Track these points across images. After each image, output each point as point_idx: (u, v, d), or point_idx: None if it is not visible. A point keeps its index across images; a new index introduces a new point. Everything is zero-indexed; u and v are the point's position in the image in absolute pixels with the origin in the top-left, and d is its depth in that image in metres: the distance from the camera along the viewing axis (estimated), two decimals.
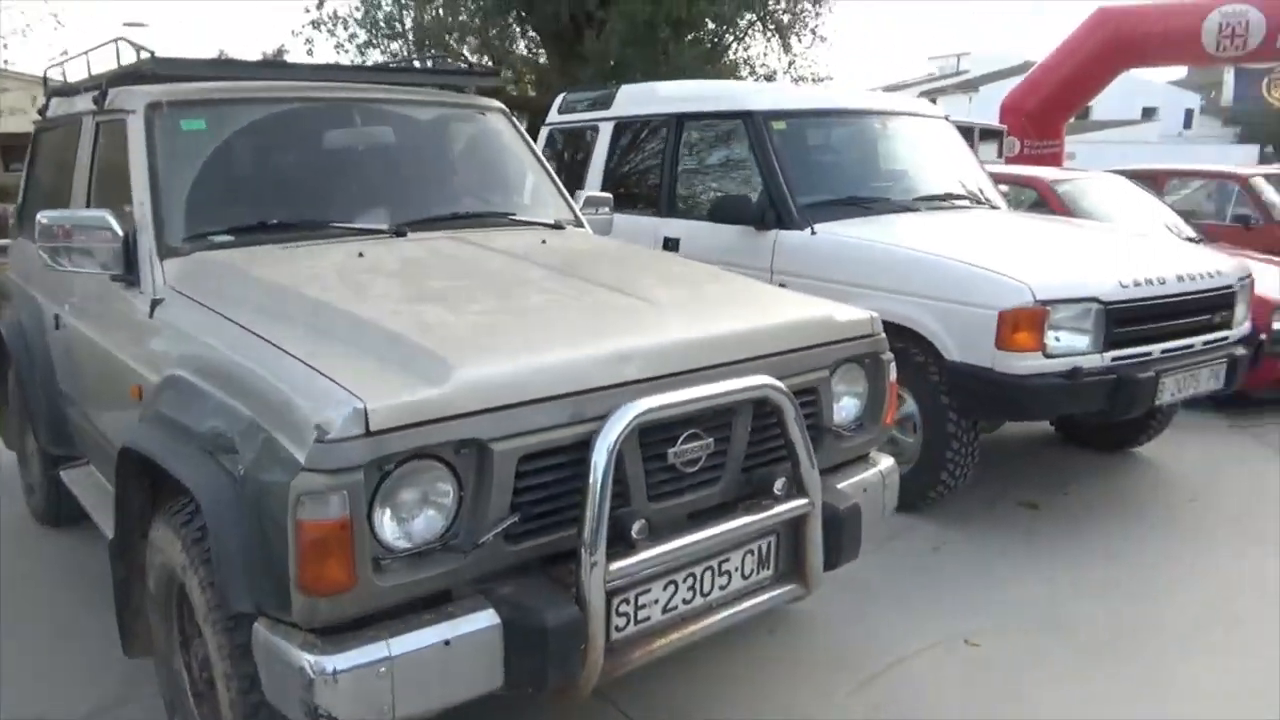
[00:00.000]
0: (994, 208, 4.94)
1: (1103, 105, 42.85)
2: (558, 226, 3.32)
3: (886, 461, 2.71)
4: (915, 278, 3.82)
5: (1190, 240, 6.42)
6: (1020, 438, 5.02)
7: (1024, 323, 3.46)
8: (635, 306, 2.30)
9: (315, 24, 11.00)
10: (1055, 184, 6.45)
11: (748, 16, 8.88)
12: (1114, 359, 3.61)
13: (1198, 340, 3.89)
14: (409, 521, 1.80)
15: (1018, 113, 18.02)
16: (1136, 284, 3.64)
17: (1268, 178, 8.48)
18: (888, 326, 3.86)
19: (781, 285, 4.37)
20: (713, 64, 8.72)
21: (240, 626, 1.86)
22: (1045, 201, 6.41)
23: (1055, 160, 17.37)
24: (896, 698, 2.72)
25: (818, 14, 11.11)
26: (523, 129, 3.68)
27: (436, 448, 1.77)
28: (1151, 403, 3.68)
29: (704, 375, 2.12)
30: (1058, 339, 3.54)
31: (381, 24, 9.79)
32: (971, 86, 46.35)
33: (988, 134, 16.25)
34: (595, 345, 2.04)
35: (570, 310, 2.28)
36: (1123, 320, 3.61)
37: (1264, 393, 5.49)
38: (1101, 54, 16.12)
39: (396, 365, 1.85)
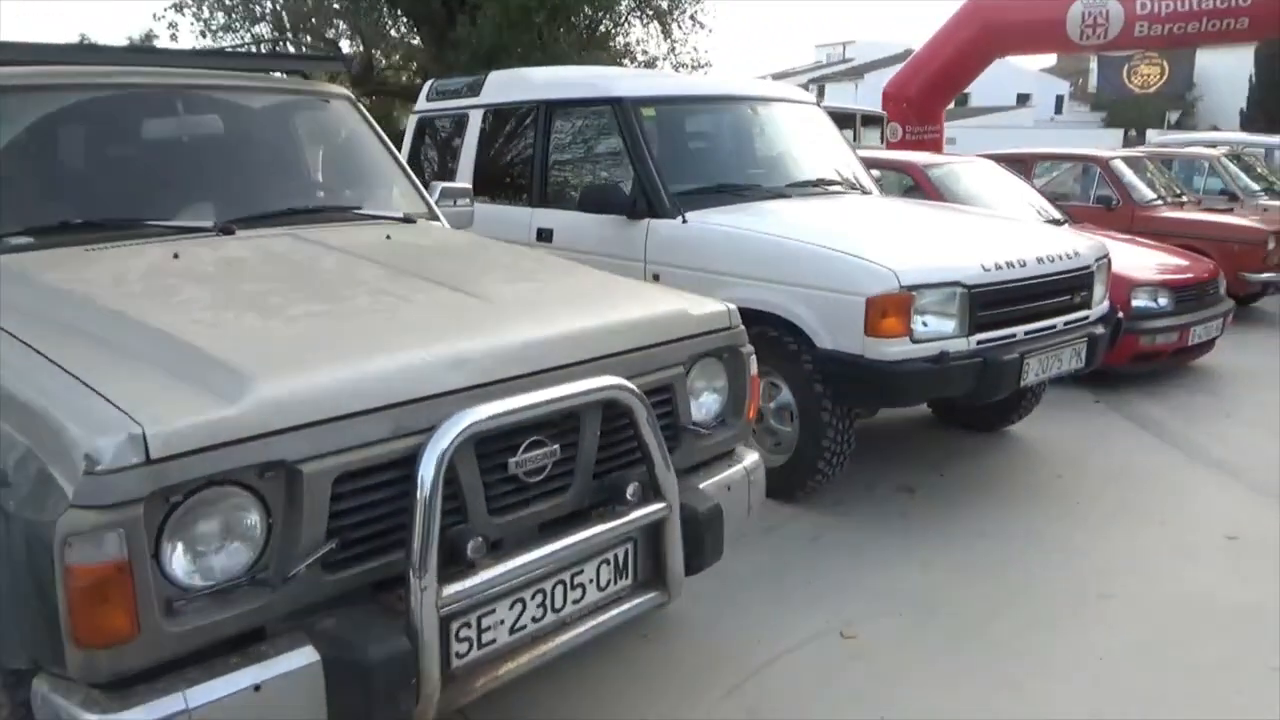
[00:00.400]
0: (866, 193, 4.95)
1: (980, 92, 44.56)
2: (408, 220, 3.13)
3: (751, 457, 2.63)
4: (785, 265, 3.77)
5: (1055, 222, 6.62)
6: (898, 422, 5.05)
7: (891, 308, 3.45)
8: (473, 306, 2.15)
9: (177, 6, 10.35)
10: (928, 169, 6.55)
11: (625, 2, 8.76)
12: (980, 342, 3.63)
13: (1059, 321, 3.95)
14: (207, 556, 1.61)
15: (899, 99, 18.46)
16: (999, 267, 3.67)
17: (1127, 160, 8.84)
18: (761, 315, 3.88)
19: (655, 276, 4.30)
20: (590, 50, 8.58)
21: (22, 683, 1.65)
22: (919, 186, 6.49)
23: (936, 145, 17.84)
24: (772, 697, 2.65)
25: (697, 1, 11.10)
26: (370, 118, 3.46)
27: (235, 473, 1.59)
28: (1017, 384, 3.72)
29: (546, 378, 1.99)
30: (925, 324, 3.54)
31: (239, 6, 9.25)
32: (857, 74, 47.51)
33: (870, 120, 16.63)
34: (423, 350, 1.88)
35: (401, 312, 2.11)
36: (987, 303, 3.64)
37: (1126, 368, 5.69)
38: (974, 42, 16.62)
39: (189, 382, 1.66)
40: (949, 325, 3.57)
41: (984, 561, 3.46)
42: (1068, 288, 3.99)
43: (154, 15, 10.49)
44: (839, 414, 3.74)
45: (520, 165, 5.23)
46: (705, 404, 2.47)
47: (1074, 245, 4.11)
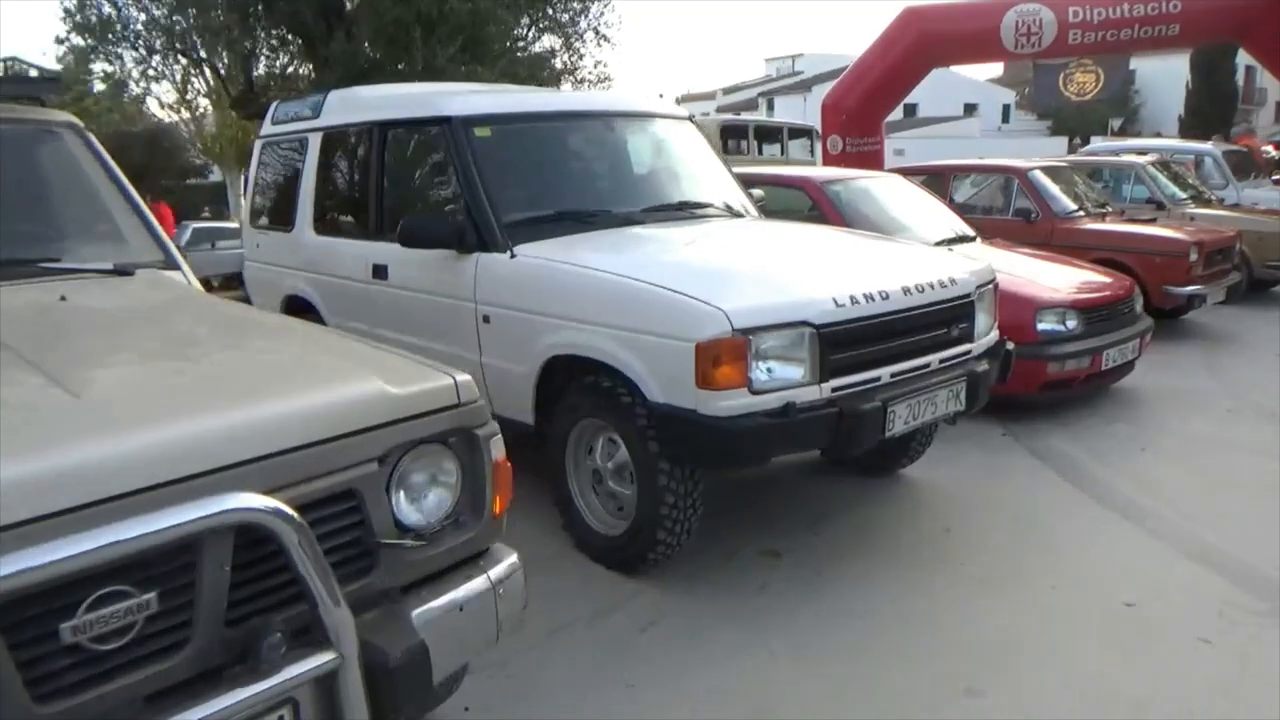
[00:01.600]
0: (736, 216, 4.48)
1: (928, 102, 44.84)
2: (121, 273, 2.58)
3: (505, 561, 2.11)
4: (609, 305, 3.27)
5: (963, 239, 6.20)
6: (783, 465, 4.56)
7: (724, 355, 2.95)
8: (51, 406, 1.61)
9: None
10: (826, 185, 6.10)
11: (524, 18, 8.26)
12: (835, 390, 3.14)
13: (934, 359, 3.49)
14: None
15: (838, 111, 18.18)
16: (855, 301, 3.19)
17: (1048, 170, 8.49)
18: (593, 362, 3.38)
19: (485, 319, 3.79)
20: (473, 66, 8.08)
21: None
22: (817, 205, 6.04)
23: (877, 157, 17.61)
24: None
25: (600, 13, 10.62)
26: (102, 152, 2.91)
27: None
28: (881, 435, 3.23)
29: (136, 503, 1.46)
30: (768, 371, 3.04)
31: (94, 24, 8.57)
32: (805, 87, 47.57)
33: (797, 133, 16.29)
34: None
35: None
36: (841, 344, 3.15)
37: (1036, 397, 5.26)
38: (911, 52, 16.41)
39: None
40: (796, 372, 3.08)
41: (840, 648, 2.96)
42: (943, 320, 3.52)
43: (56, 38, 9.71)
44: (678, 477, 3.23)
45: (358, 194, 4.70)
46: (428, 503, 1.95)
47: (951, 271, 3.64)
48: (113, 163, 2.90)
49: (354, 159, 4.76)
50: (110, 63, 9.03)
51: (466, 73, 7.77)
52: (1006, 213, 8.10)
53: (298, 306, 5.25)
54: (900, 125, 42.20)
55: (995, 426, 5.20)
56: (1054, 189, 8.17)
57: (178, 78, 9.42)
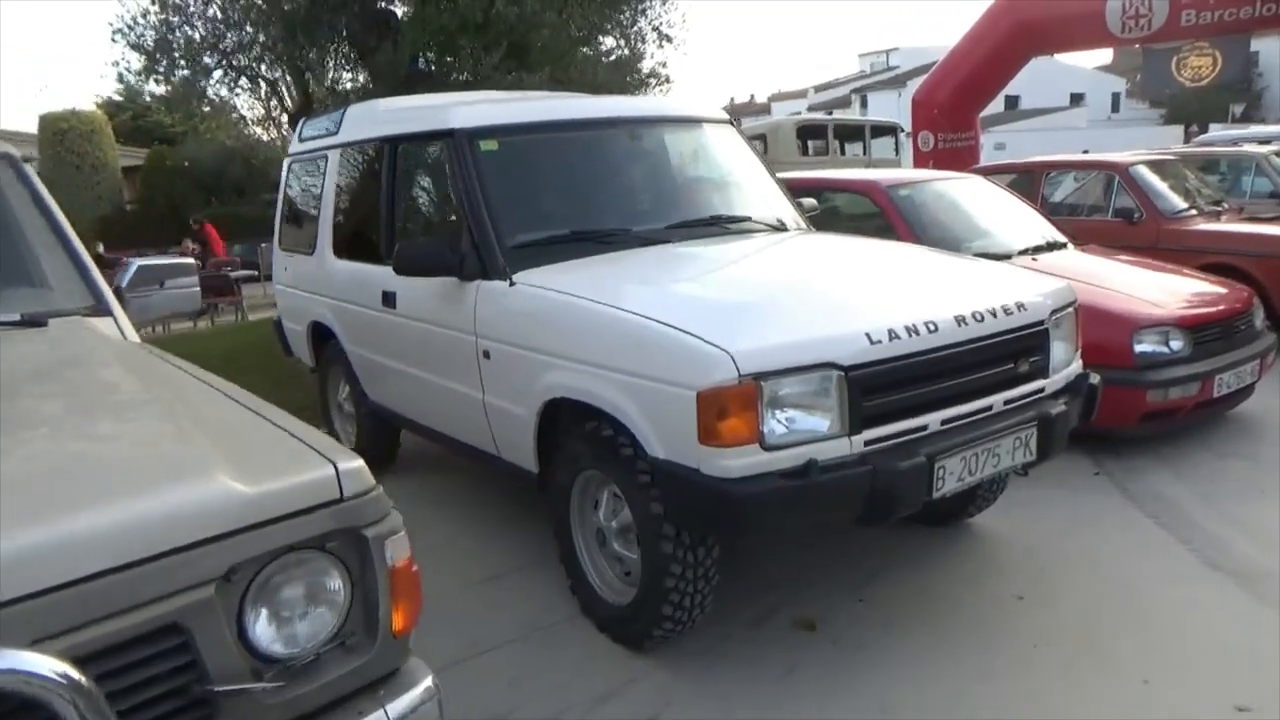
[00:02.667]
0: (778, 229, 3.99)
1: (1030, 93, 42.95)
2: (32, 323, 2.28)
3: (412, 691, 1.69)
4: (605, 344, 2.84)
5: (1055, 246, 5.54)
6: None
7: (732, 405, 2.48)
8: None
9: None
10: (892, 190, 5.53)
11: (573, 20, 7.89)
12: (869, 442, 2.64)
13: (996, 400, 2.94)
14: None
15: (929, 106, 17.39)
16: (895, 336, 2.67)
17: (1152, 164, 7.66)
18: (591, 409, 2.96)
19: (486, 354, 3.41)
20: (518, 72, 7.74)
21: None
22: (883, 212, 5.48)
23: (971, 154, 16.76)
24: None
25: (663, 14, 10.13)
26: (35, 181, 2.63)
27: None
28: (928, 496, 2.71)
29: None
30: (786, 422, 2.56)
31: (150, 44, 8.56)
32: (900, 82, 46.12)
33: (881, 130, 15.53)
34: None
35: None
36: (877, 388, 2.64)
37: (1136, 429, 4.58)
38: (1008, 41, 15.52)
39: None
40: (821, 423, 2.59)
41: None
42: (1008, 354, 2.97)
43: (113, 63, 9.85)
44: (685, 543, 2.77)
45: (370, 215, 4.39)
46: (301, 627, 1.55)
47: (1020, 294, 3.08)
48: (48, 196, 2.61)
49: (367, 177, 4.46)
50: (165, 83, 9.04)
51: (513, 80, 7.47)
52: (1106, 213, 7.32)
53: (321, 334, 5.00)
54: (1000, 118, 40.47)
55: (1086, 462, 4.56)
56: (1160, 185, 7.35)
57: (237, 95, 9.42)
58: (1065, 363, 3.24)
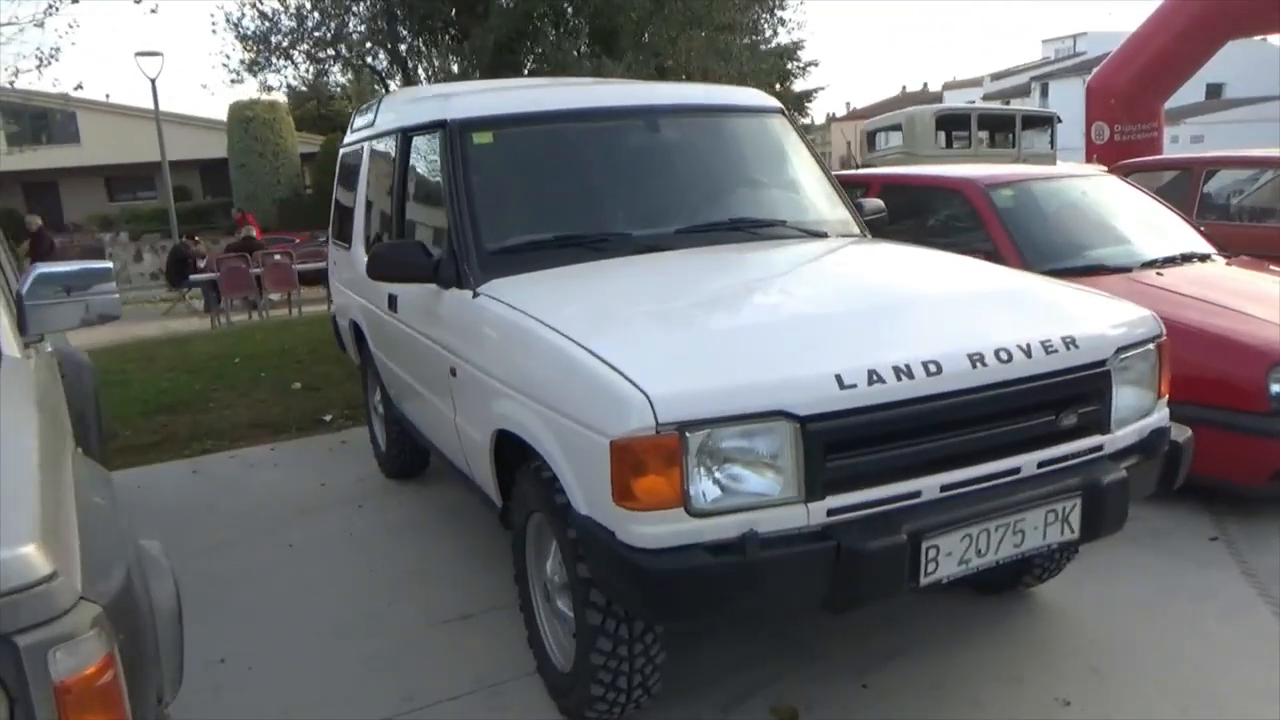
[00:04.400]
0: (820, 235, 3.44)
1: (1238, 81, 38.92)
2: None
3: None
4: (539, 371, 2.43)
5: (1188, 258, 4.67)
6: None
7: (649, 459, 2.01)
8: None
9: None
10: (991, 189, 4.80)
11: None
12: (834, 511, 2.10)
13: (1026, 461, 2.32)
14: None
15: (1106, 94, 15.94)
16: (876, 380, 2.12)
17: None
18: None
19: (453, 371, 3.07)
20: (598, 59, 7.29)
21: None
22: (978, 215, 4.76)
23: (1152, 147, 15.23)
24: None
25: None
26: None
27: None
28: (912, 582, 2.14)
29: None
30: (724, 483, 2.07)
31: (253, 34, 8.69)
32: (1085, 69, 42.85)
33: (1034, 121, 14.19)
34: None
35: None
36: (848, 444, 2.11)
37: (1268, 489, 3.73)
38: (1200, 20, 13.96)
39: None
40: (770, 485, 2.08)
41: None
42: (1046, 403, 2.34)
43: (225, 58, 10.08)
44: (618, 615, 2.31)
45: (386, 211, 4.13)
46: None
47: (1075, 326, 2.44)
48: None
49: (387, 171, 4.20)
50: (269, 72, 9.23)
51: (594, 67, 7.11)
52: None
53: (359, 334, 4.81)
54: (1199, 109, 36.86)
55: (1203, 521, 3.75)
56: None
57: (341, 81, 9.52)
58: (1138, 414, 2.57)
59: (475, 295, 2.91)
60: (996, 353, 2.27)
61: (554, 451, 2.30)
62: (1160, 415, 2.64)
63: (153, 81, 19.54)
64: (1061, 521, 2.32)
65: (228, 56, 9.41)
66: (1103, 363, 2.43)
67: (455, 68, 8.01)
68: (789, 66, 28.03)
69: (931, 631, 3.02)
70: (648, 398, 2.00)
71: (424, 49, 8.38)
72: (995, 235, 4.60)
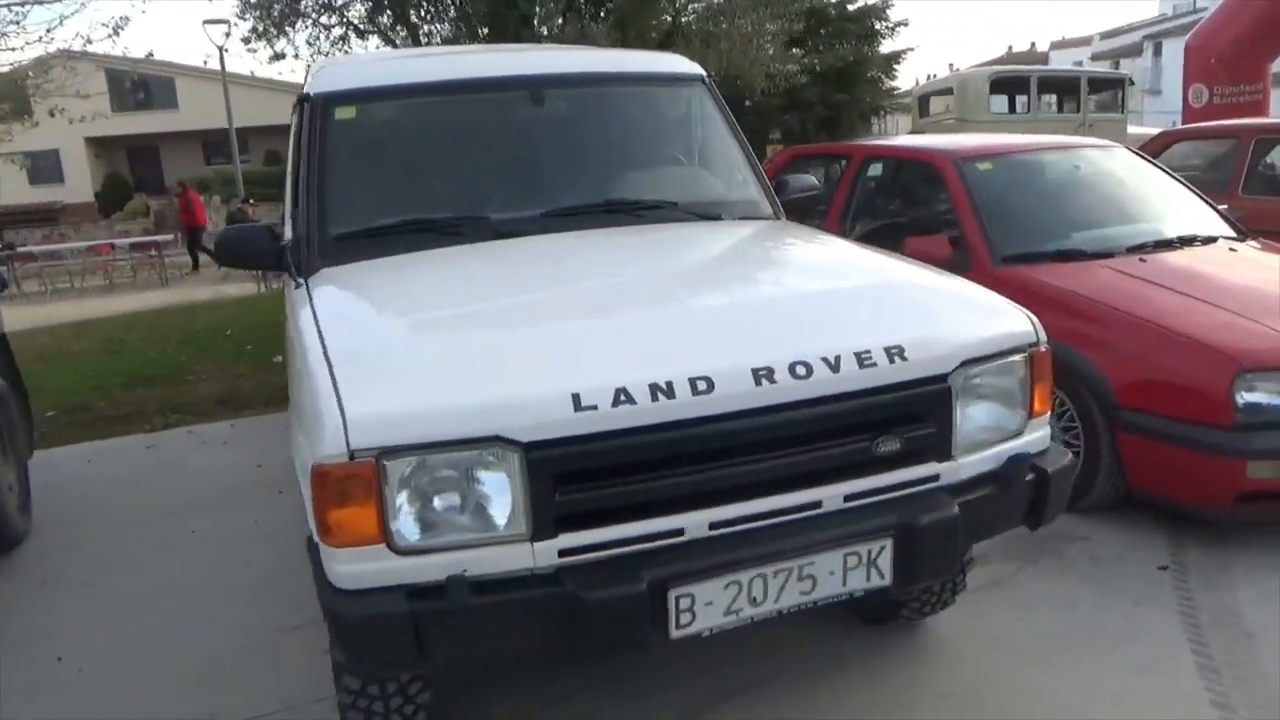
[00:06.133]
0: (711, 219, 3.10)
1: None
2: None
3: None
4: (295, 380, 2.21)
5: (1187, 242, 4.14)
6: None
7: (348, 488, 1.77)
8: None
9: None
10: (964, 163, 4.32)
11: None
12: (566, 551, 1.82)
13: (829, 494, 1.99)
14: None
15: (1205, 54, 14.85)
16: (624, 400, 1.82)
17: None
18: None
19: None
20: (583, 23, 6.83)
21: None
22: (948, 190, 4.31)
23: (1257, 110, 14.10)
24: None
25: None
26: None
27: None
28: (662, 636, 1.85)
29: None
30: (433, 516, 1.81)
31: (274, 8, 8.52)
32: None
33: (1102, 84, 13.12)
34: None
35: None
36: (586, 474, 1.82)
37: (1231, 514, 3.24)
38: None
39: None
40: (490, 520, 1.81)
41: None
42: (859, 425, 2.00)
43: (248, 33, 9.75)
44: None
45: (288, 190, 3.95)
46: None
47: (904, 335, 2.07)
48: None
49: (292, 145, 4.02)
50: (280, 42, 9.14)
51: (575, 33, 6.73)
52: None
53: None
54: None
55: (1160, 547, 3.31)
56: None
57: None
58: (997, 437, 2.19)
59: (298, 286, 2.70)
60: (792, 367, 1.94)
61: (299, 473, 2.09)
62: (1030, 439, 2.25)
63: (220, 49, 19.93)
64: (867, 566, 1.98)
65: (235, 25, 9.45)
66: (942, 378, 2.07)
67: (449, 30, 7.82)
68: (876, 26, 26.91)
69: (797, 663, 2.71)
70: (344, 419, 1.76)
71: (430, 18, 8.18)
72: (962, 214, 4.16)
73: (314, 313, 2.34)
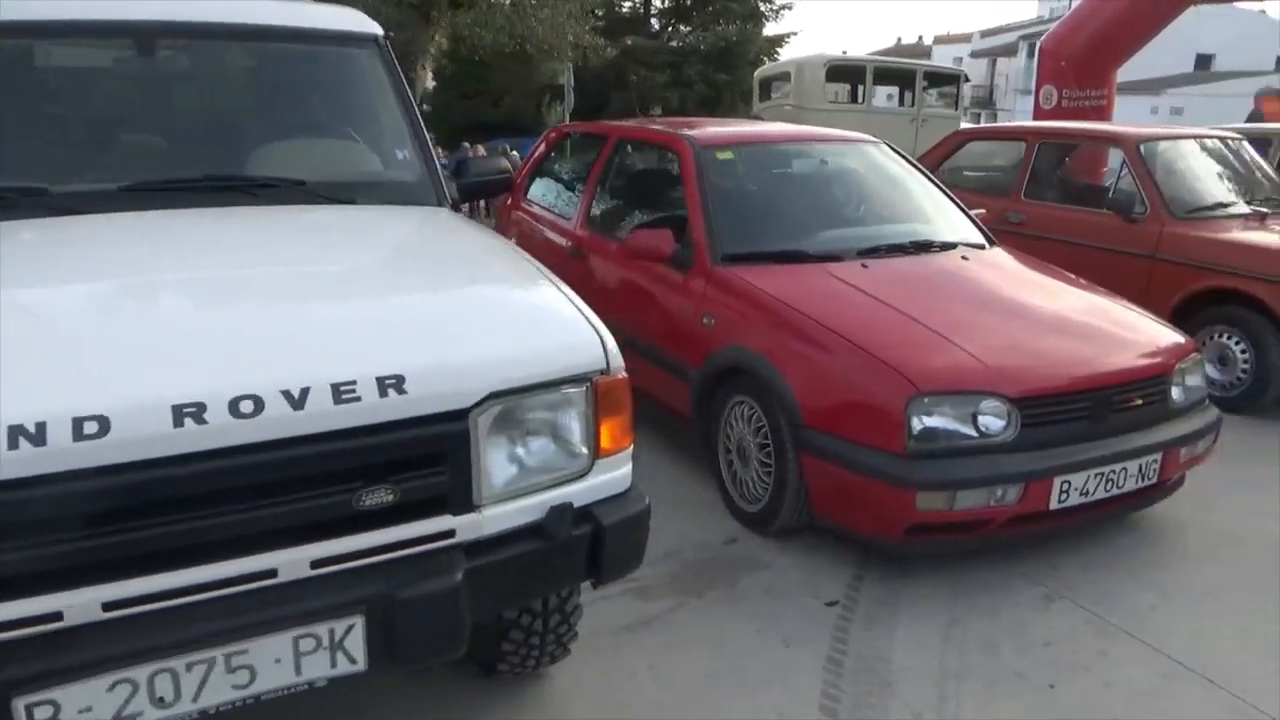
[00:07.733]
0: (332, 201, 2.66)
1: (1229, 52, 37.64)
2: None
3: None
4: None
5: (972, 247, 3.92)
6: None
7: None
8: None
9: None
10: (705, 150, 4.00)
11: None
12: None
13: (289, 559, 1.60)
14: None
15: (1057, 57, 15.08)
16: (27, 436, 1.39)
17: (1187, 140, 5.68)
18: None
19: None
20: None
21: None
22: (684, 178, 3.98)
23: (1100, 116, 14.41)
24: None
25: None
26: None
27: None
28: None
29: None
30: None
31: None
32: None
33: (940, 79, 13.21)
34: None
35: None
36: None
37: (903, 544, 3.02)
38: None
39: None
40: None
41: None
42: (324, 476, 1.62)
43: None
44: None
45: None
46: None
47: (408, 362, 1.69)
48: None
49: None
50: None
51: None
52: (1099, 204, 5.46)
53: None
54: (1185, 79, 35.60)
55: (842, 577, 3.08)
56: (1187, 170, 5.42)
57: None
58: (547, 482, 1.85)
59: None
60: (233, 403, 1.54)
61: None
62: (594, 483, 1.92)
63: None
64: (331, 649, 1.61)
65: None
66: (460, 414, 1.70)
67: None
68: (760, 8, 26.82)
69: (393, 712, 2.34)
70: None
71: None
72: (690, 205, 3.84)
73: None
